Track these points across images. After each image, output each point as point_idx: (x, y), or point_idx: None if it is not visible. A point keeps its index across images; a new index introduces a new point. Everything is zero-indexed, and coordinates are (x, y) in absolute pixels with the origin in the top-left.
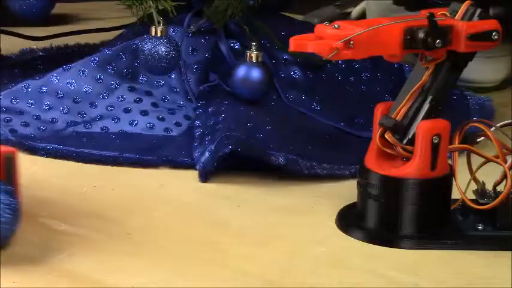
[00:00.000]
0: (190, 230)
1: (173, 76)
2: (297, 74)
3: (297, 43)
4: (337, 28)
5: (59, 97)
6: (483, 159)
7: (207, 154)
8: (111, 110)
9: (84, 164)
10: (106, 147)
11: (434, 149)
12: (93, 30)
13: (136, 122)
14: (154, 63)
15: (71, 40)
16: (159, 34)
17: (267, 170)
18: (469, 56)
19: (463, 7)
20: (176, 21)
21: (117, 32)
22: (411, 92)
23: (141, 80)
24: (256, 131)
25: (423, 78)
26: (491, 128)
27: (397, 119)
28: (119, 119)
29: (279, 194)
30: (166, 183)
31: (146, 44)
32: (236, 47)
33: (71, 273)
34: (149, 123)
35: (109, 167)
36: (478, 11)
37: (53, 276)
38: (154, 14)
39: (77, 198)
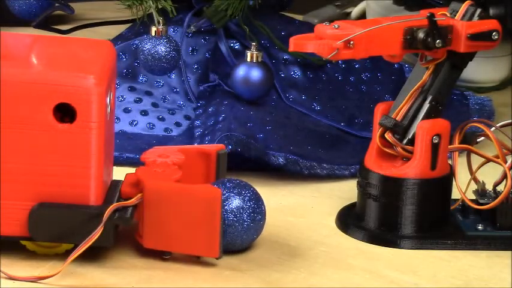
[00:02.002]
0: None
1: (173, 76)
2: (297, 74)
3: (297, 43)
4: (337, 28)
5: None
6: (483, 159)
7: None
8: None
9: None
10: None
11: (434, 149)
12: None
13: (136, 122)
14: (154, 63)
15: None
16: (159, 34)
17: (267, 170)
18: (469, 56)
19: (463, 7)
20: (176, 21)
21: (121, 27)
22: (411, 92)
23: (141, 80)
24: (256, 131)
25: (423, 78)
26: (491, 128)
27: (397, 119)
28: (118, 119)
29: (279, 194)
30: None
31: (146, 44)
32: (236, 47)
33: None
34: (149, 123)
35: None
36: (478, 11)
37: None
38: (155, 14)
39: None
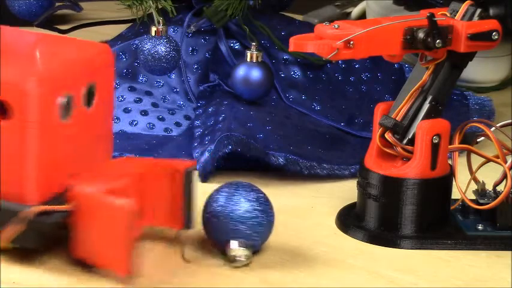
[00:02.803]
0: None
1: (173, 76)
2: (297, 74)
3: (297, 43)
4: (337, 28)
5: None
6: (483, 159)
7: (206, 154)
8: None
9: None
10: None
11: (434, 149)
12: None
13: (136, 122)
14: (154, 63)
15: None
16: (159, 34)
17: (267, 170)
18: (469, 56)
19: (463, 7)
20: (176, 21)
21: (122, 26)
22: (411, 92)
23: (141, 80)
24: (256, 131)
25: (423, 78)
26: (491, 128)
27: (397, 119)
28: (118, 119)
29: (279, 194)
30: None
31: (146, 44)
32: (236, 47)
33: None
34: (149, 123)
35: None
36: (478, 11)
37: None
38: (155, 14)
39: None
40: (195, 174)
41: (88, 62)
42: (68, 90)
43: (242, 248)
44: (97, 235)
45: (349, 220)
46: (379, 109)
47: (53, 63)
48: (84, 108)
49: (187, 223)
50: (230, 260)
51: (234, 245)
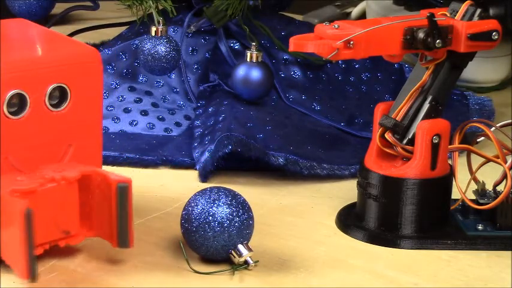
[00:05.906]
0: None
1: (173, 76)
2: (297, 74)
3: (297, 43)
4: (337, 28)
5: None
6: (483, 159)
7: (206, 154)
8: (111, 110)
9: None
10: (106, 147)
11: (434, 149)
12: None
13: (136, 122)
14: (154, 63)
15: None
16: (159, 34)
17: (267, 170)
18: (469, 56)
19: (463, 7)
20: (176, 21)
21: (122, 28)
22: (411, 92)
23: (141, 80)
24: (256, 131)
25: (423, 78)
26: (491, 128)
27: (397, 119)
28: (118, 119)
29: (279, 194)
30: (166, 183)
31: (146, 44)
32: (236, 47)
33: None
34: (149, 123)
35: (109, 167)
36: (478, 11)
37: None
38: (155, 14)
39: None
40: (129, 191)
41: (59, 63)
42: (21, 87)
43: (249, 251)
44: (6, 236)
45: (349, 220)
46: (379, 109)
47: (12, 58)
48: (46, 108)
49: (121, 241)
50: (240, 265)
51: (242, 249)
